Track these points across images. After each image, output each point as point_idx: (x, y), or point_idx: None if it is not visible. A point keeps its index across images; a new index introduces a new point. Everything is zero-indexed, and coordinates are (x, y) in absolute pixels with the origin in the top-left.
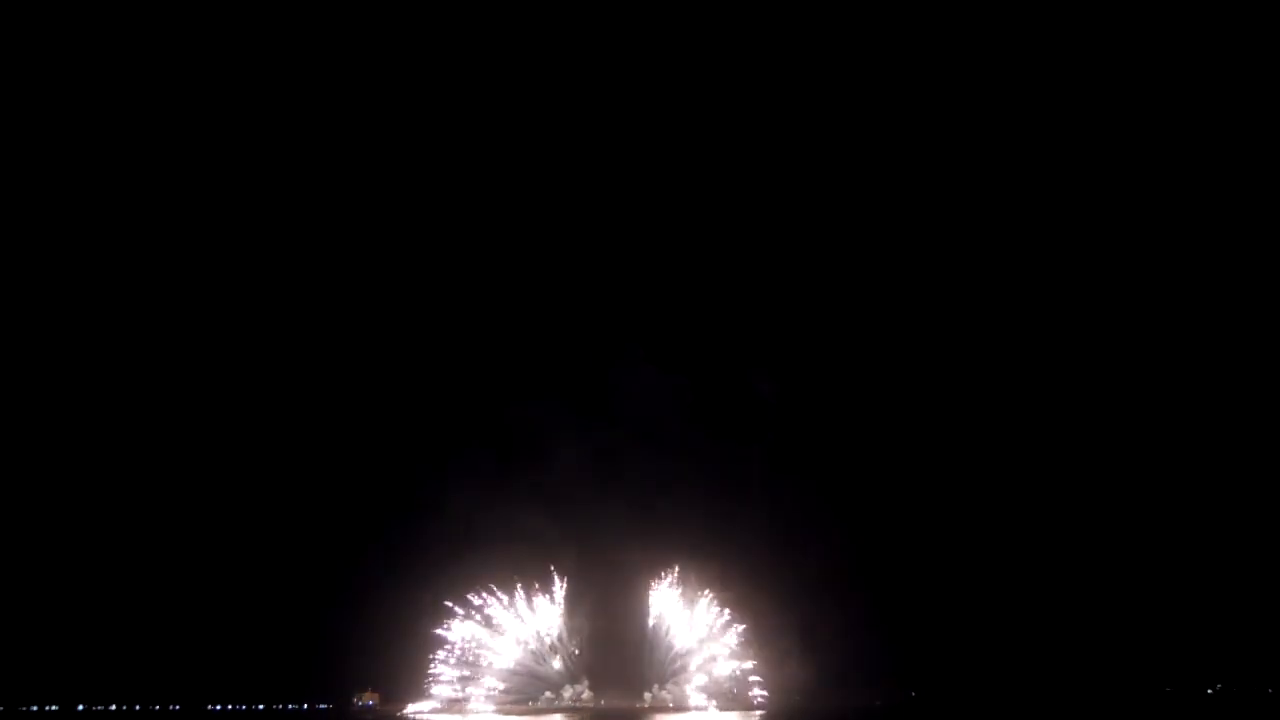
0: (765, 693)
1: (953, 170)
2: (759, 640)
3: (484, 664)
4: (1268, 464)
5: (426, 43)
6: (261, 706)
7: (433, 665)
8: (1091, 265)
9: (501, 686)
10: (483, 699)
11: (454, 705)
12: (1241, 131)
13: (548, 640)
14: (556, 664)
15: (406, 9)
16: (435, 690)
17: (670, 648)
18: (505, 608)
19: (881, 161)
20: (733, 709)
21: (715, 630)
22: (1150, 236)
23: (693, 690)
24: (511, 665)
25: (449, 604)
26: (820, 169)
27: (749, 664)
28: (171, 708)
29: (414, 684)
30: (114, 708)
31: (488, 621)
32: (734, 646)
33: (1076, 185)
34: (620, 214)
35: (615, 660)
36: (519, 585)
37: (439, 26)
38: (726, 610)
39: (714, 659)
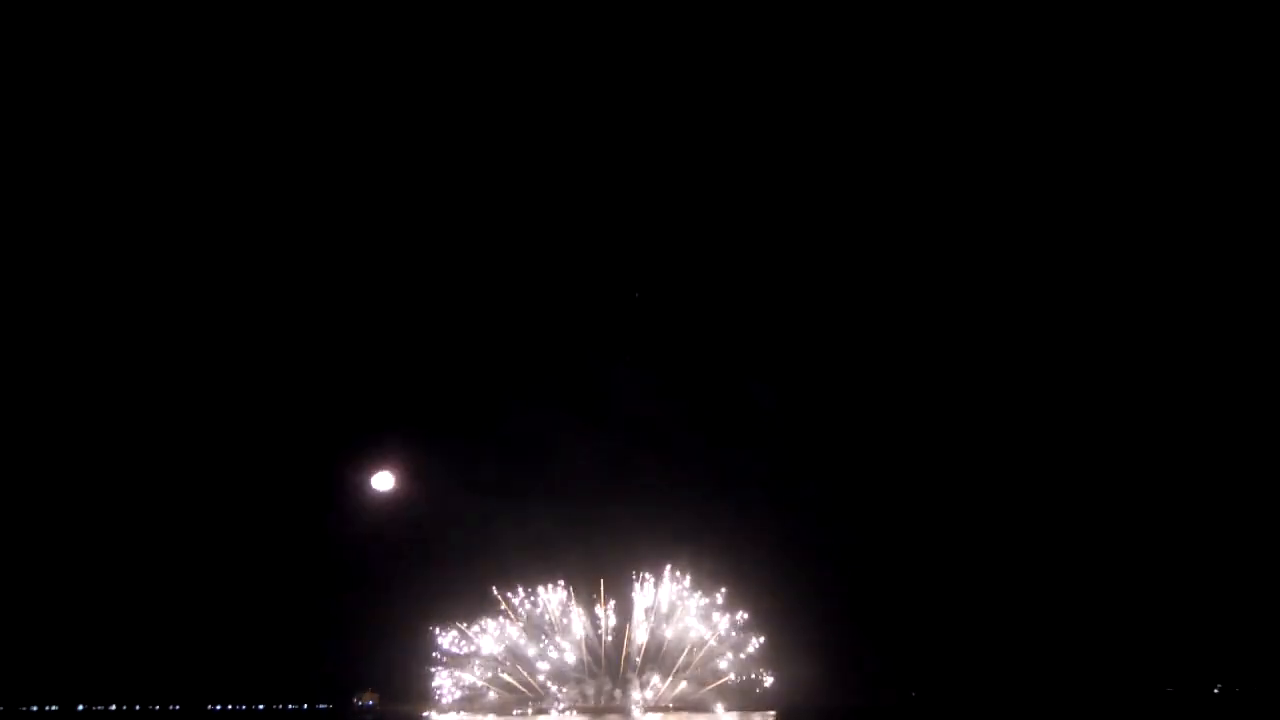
0: (771, 692)
1: (951, 172)
2: (764, 640)
3: (494, 664)
4: (1268, 464)
5: (411, 38)
6: (261, 706)
7: (439, 668)
8: (1089, 264)
9: (510, 680)
10: (493, 700)
11: (464, 707)
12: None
13: (556, 639)
14: (565, 665)
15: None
16: (441, 692)
17: (676, 648)
18: (513, 607)
19: (881, 164)
20: (738, 708)
21: (721, 631)
22: (1147, 236)
23: (699, 690)
24: (520, 665)
25: (454, 604)
26: (820, 173)
27: (755, 664)
28: (171, 708)
29: (417, 685)
30: (114, 708)
31: (498, 621)
32: (740, 647)
33: (1071, 186)
34: (623, 218)
35: (621, 660)
36: (519, 586)
37: (425, 23)
38: (732, 612)
39: (720, 659)
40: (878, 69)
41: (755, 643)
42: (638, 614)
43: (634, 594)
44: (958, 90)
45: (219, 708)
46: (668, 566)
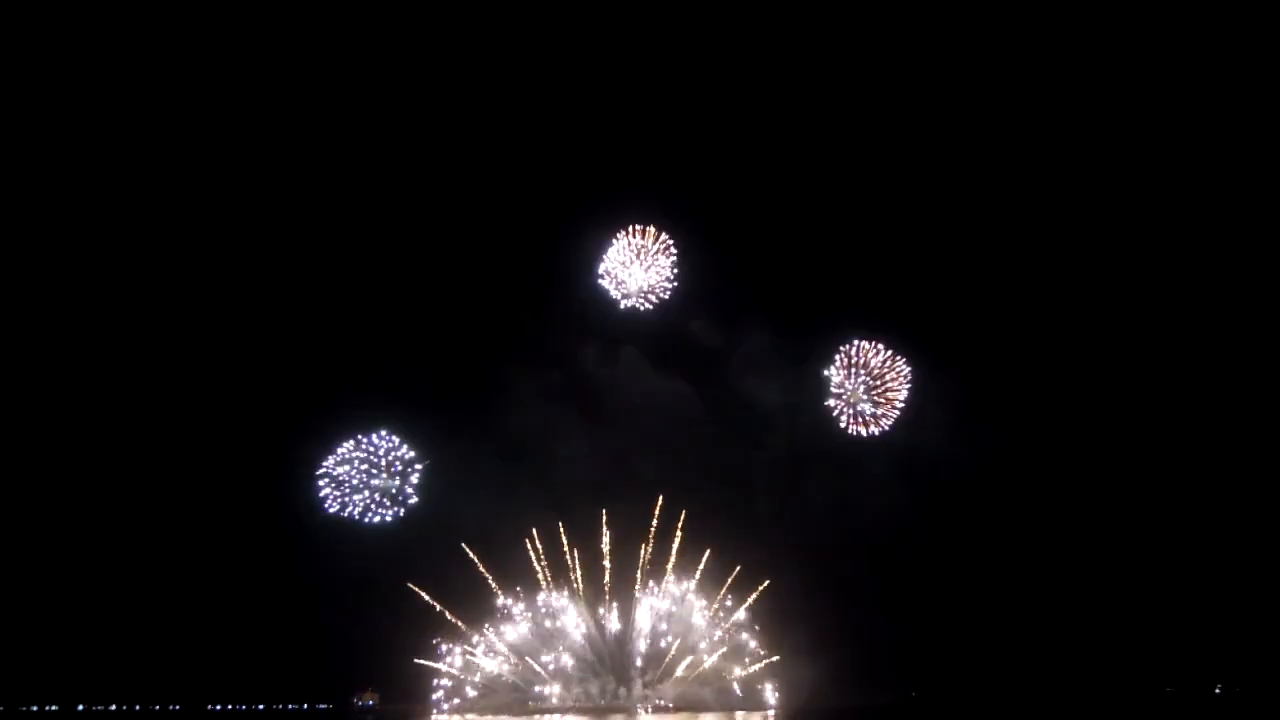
0: (772, 691)
1: (951, 168)
2: (766, 640)
3: (496, 664)
4: (1267, 464)
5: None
6: (261, 706)
7: (441, 668)
8: (1089, 265)
9: (513, 680)
10: (496, 700)
11: (466, 707)
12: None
13: (559, 639)
14: (568, 664)
15: None
16: (443, 692)
17: (679, 648)
18: (516, 607)
19: (880, 161)
20: (740, 708)
21: (723, 631)
22: (1144, 235)
23: (701, 689)
24: (523, 665)
25: (457, 604)
26: (822, 170)
27: (756, 663)
28: (171, 708)
29: (418, 685)
30: (114, 708)
31: (501, 620)
32: (741, 646)
33: (1071, 184)
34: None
35: (624, 660)
36: (521, 586)
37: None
38: (734, 612)
39: (722, 659)
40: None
41: (757, 643)
42: (641, 614)
43: (637, 593)
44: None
45: (219, 708)
46: (671, 566)
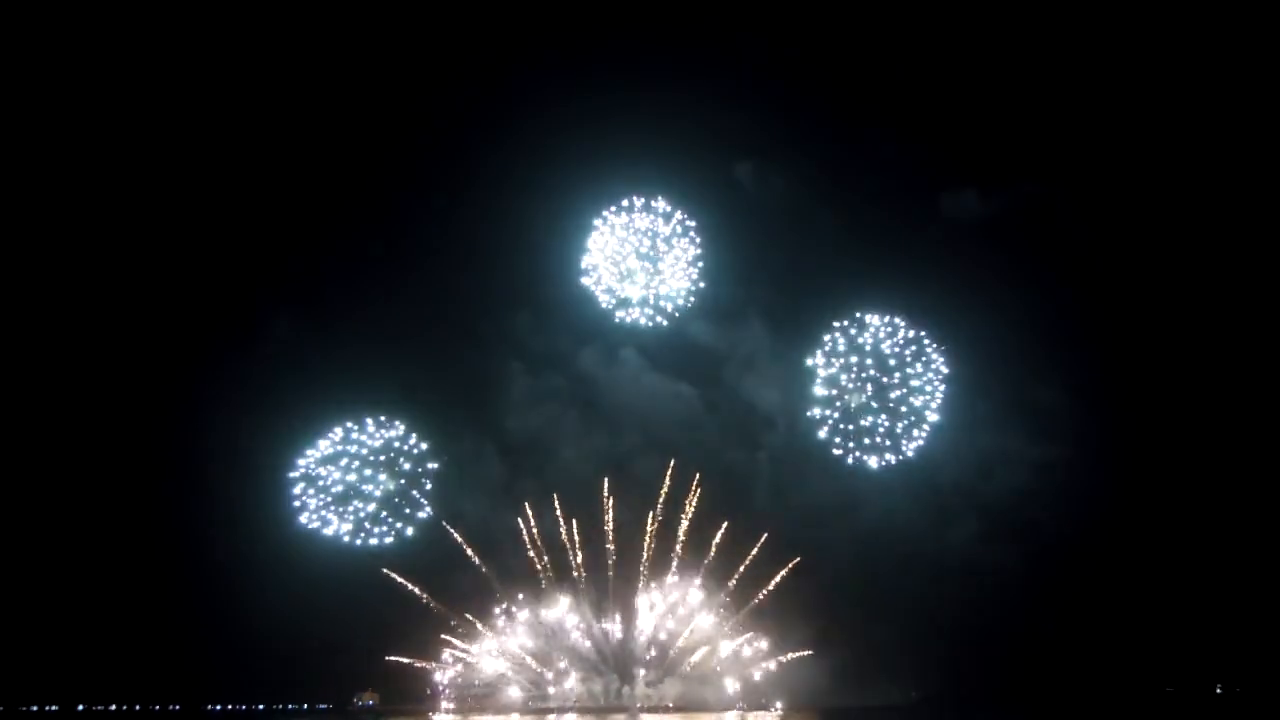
0: (773, 691)
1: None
2: (767, 640)
3: (498, 663)
4: (1268, 463)
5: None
6: (261, 706)
7: (442, 667)
8: (1090, 264)
9: (514, 679)
10: (497, 700)
11: (467, 707)
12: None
13: (562, 638)
14: (570, 664)
15: None
16: (443, 692)
17: (681, 648)
18: (520, 607)
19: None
20: (740, 708)
21: (726, 631)
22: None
23: (702, 689)
24: (524, 665)
25: (458, 603)
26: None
27: (757, 664)
28: (171, 708)
29: (418, 685)
30: (114, 708)
31: (506, 620)
32: (743, 647)
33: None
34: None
35: (627, 660)
36: (520, 591)
37: None
38: (736, 612)
39: (724, 659)
40: None
41: (759, 642)
42: (644, 613)
43: (640, 593)
44: None
45: (219, 708)
46: (674, 566)
